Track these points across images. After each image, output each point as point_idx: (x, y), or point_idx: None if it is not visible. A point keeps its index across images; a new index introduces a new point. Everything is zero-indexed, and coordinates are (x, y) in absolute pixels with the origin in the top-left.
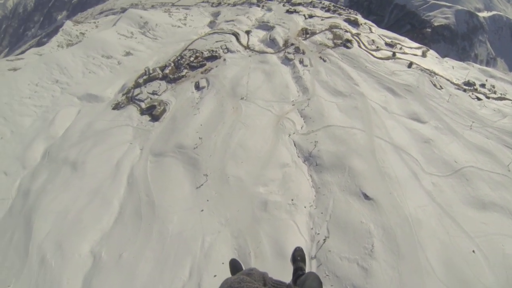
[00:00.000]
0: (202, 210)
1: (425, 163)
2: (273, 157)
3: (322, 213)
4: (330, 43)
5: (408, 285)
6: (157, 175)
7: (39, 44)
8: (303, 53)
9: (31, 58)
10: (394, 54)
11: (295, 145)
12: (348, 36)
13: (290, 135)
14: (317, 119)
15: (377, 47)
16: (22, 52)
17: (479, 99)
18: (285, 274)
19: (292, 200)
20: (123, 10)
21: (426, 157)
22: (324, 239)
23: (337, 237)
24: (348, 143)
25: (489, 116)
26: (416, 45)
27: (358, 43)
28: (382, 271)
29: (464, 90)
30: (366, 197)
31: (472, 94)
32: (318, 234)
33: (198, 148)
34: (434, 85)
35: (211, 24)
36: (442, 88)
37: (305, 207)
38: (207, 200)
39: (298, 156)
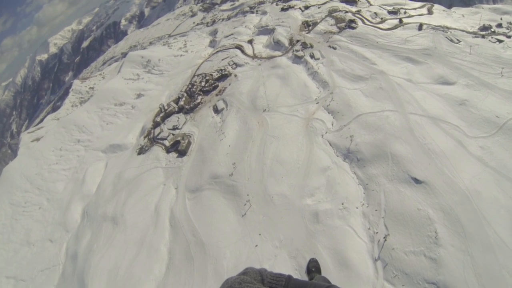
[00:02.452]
0: (256, 246)
1: (466, 127)
2: (312, 164)
3: (376, 210)
4: (335, 29)
5: (482, 266)
6: (199, 212)
7: (55, 109)
8: (311, 46)
9: (50, 125)
10: (400, 20)
11: (330, 145)
12: (349, 16)
13: (323, 135)
14: (346, 111)
15: (382, 18)
16: (41, 121)
17: (500, 41)
18: (351, 285)
19: (342, 204)
20: (124, 54)
21: (465, 120)
22: (384, 237)
23: (397, 232)
24: (384, 128)
25: None
26: (419, 4)
27: (362, 20)
28: (452, 257)
29: (483, 36)
30: (417, 181)
31: (492, 37)
32: (377, 233)
33: (234, 174)
34: (451, 40)
35: (212, 43)
36: (460, 41)
37: (357, 208)
38: (259, 234)
39: (337, 156)
